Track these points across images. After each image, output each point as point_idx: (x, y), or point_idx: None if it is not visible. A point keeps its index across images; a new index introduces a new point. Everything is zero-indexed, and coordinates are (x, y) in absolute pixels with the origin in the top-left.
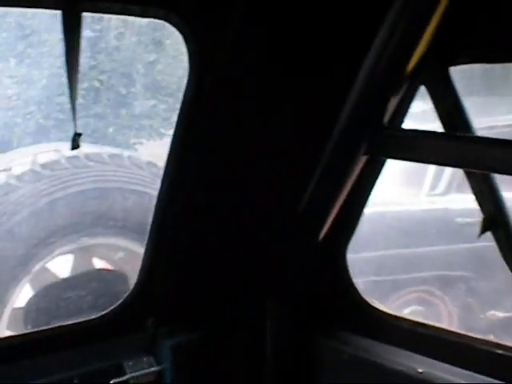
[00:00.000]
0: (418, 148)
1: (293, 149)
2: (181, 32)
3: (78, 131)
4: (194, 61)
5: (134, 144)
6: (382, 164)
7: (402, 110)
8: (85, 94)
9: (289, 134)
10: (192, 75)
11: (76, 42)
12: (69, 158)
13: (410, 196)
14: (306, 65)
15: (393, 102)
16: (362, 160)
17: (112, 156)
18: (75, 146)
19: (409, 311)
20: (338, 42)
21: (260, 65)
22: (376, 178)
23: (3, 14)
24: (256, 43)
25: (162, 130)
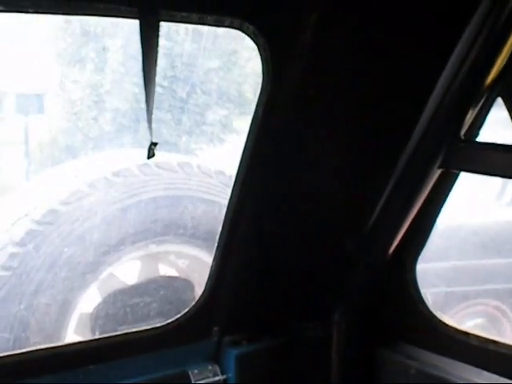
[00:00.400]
0: (495, 162)
1: (365, 161)
2: (255, 41)
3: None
4: (267, 70)
5: (195, 150)
6: (455, 177)
7: (478, 123)
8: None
9: (362, 146)
10: (265, 84)
11: (153, 52)
12: (140, 166)
13: (475, 205)
14: (382, 76)
15: (470, 115)
16: (437, 173)
17: (181, 164)
18: (151, 155)
19: (472, 324)
20: (415, 53)
21: (333, 75)
22: (449, 191)
23: (68, 20)
24: (330, 53)
25: (222, 136)
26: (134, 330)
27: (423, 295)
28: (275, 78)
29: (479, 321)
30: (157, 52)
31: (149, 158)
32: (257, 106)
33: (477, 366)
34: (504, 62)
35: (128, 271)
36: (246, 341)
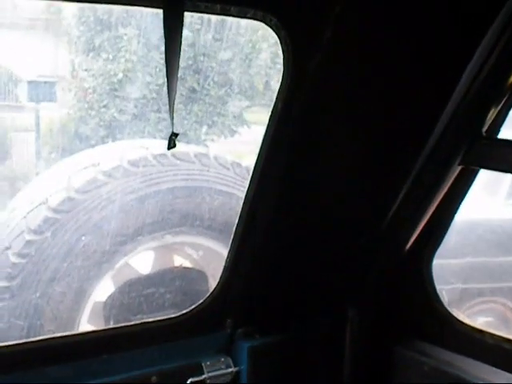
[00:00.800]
0: None
1: (386, 155)
2: (277, 34)
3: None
4: (288, 63)
5: (205, 140)
6: (475, 174)
7: (499, 120)
8: (158, 89)
9: (383, 140)
10: (286, 77)
11: (177, 42)
12: (156, 156)
13: (486, 203)
14: (405, 71)
15: (492, 112)
16: (457, 170)
17: (198, 155)
18: (172, 145)
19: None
20: (439, 50)
21: (354, 69)
22: (468, 188)
23: (82, 8)
24: (351, 48)
25: (233, 128)
26: (148, 320)
27: (439, 292)
28: (296, 70)
29: (489, 319)
30: (180, 42)
31: (169, 148)
32: (276, 98)
33: (491, 364)
34: None
35: (143, 261)
36: (259, 334)
